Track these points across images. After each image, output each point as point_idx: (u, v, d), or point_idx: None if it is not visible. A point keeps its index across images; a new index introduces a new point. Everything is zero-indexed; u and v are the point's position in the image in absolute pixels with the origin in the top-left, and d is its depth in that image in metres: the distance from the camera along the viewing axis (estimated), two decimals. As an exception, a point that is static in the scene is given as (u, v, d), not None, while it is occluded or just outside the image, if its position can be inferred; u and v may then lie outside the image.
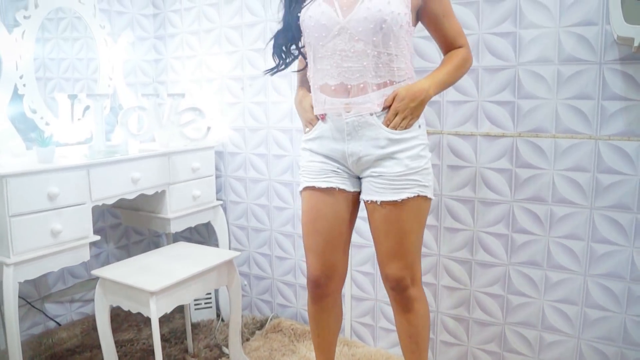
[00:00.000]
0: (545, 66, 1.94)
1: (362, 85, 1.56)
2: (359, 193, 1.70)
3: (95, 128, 2.39)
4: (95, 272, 2.11)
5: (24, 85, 2.26)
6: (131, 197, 2.29)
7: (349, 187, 1.68)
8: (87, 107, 2.51)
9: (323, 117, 1.64)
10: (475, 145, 2.11)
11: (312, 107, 1.67)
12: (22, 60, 2.25)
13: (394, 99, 1.56)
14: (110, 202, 2.21)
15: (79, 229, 2.09)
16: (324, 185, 1.66)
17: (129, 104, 2.64)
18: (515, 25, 1.97)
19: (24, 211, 1.90)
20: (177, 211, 2.47)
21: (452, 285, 2.23)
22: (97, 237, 2.16)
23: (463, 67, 1.68)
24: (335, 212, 1.68)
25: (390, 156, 1.58)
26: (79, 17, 2.50)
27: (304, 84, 1.79)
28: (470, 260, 2.18)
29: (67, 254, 2.06)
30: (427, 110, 2.08)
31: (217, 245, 2.74)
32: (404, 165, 1.57)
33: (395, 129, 1.57)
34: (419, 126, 1.62)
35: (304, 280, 2.59)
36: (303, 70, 1.79)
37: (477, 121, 2.09)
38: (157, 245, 3.04)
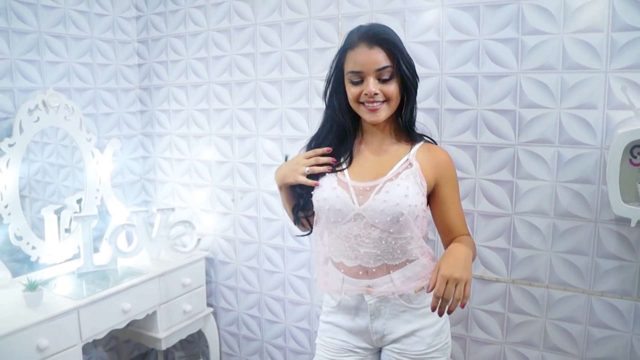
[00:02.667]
0: (541, 218, 1.95)
1: (381, 266, 1.53)
2: None
3: (82, 249, 2.35)
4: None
5: (9, 214, 2.21)
6: (121, 326, 2.26)
7: None
8: (75, 212, 2.49)
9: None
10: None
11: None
12: (7, 190, 2.19)
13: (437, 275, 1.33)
14: (101, 336, 2.18)
15: (69, 373, 2.06)
16: None
17: (117, 212, 2.59)
18: (512, 174, 1.96)
19: (10, 371, 1.85)
20: (168, 329, 2.45)
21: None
22: (88, 377, 2.14)
23: (474, 251, 1.57)
24: None
25: (413, 333, 1.56)
26: (65, 134, 2.44)
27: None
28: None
29: (57, 401, 2.02)
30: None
31: (207, 347, 2.74)
32: (426, 344, 1.56)
33: (461, 304, 1.30)
34: None
35: (294, 391, 2.60)
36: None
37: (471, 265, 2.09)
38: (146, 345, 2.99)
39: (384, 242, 1.50)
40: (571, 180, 1.88)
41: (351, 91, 1.49)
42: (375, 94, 1.45)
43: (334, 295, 1.62)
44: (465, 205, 2.04)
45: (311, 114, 2.34)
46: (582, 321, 1.94)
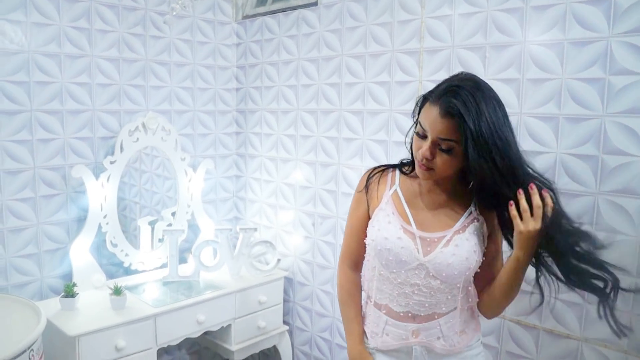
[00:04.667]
0: (622, 275, 1.72)
1: (431, 314, 1.51)
2: None
3: (169, 260, 2.54)
4: None
5: (107, 223, 2.44)
6: (195, 336, 2.41)
7: None
8: (169, 224, 2.70)
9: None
10: (538, 338, 1.98)
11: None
12: (106, 201, 2.42)
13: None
14: (175, 343, 2.33)
15: (144, 373, 2.23)
16: None
17: (206, 227, 2.77)
18: (591, 225, 1.81)
19: (91, 363, 2.04)
20: (241, 342, 2.56)
21: None
22: (161, 378, 2.30)
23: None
24: None
25: None
26: (161, 153, 2.66)
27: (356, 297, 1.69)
28: None
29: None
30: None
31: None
32: None
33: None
34: (479, 341, 1.60)
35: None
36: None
37: (541, 316, 1.96)
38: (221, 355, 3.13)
39: (441, 292, 1.49)
40: (649, 235, 1.71)
41: (414, 141, 1.46)
42: (426, 158, 1.40)
43: (372, 336, 1.60)
44: (538, 253, 1.93)
45: (390, 147, 2.34)
46: (663, 393, 1.75)
